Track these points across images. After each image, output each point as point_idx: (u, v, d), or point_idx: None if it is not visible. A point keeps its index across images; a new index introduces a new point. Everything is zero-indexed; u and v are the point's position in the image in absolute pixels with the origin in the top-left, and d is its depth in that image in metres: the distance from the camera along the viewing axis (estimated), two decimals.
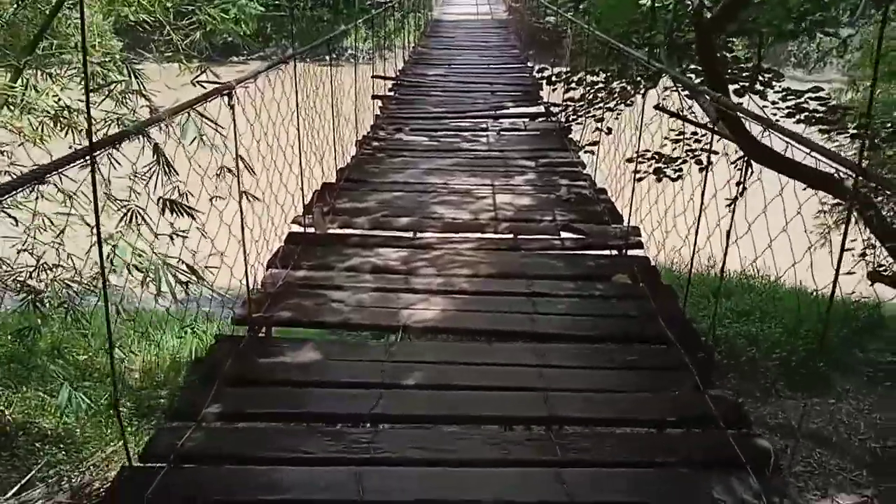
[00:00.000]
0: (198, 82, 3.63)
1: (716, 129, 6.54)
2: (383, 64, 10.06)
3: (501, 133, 7.47)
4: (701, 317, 7.45)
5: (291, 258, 4.05)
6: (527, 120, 7.98)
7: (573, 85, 8.48)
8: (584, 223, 4.81)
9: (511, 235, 4.67)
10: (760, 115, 3.40)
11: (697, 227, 3.29)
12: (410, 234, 4.65)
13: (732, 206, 3.92)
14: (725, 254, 3.03)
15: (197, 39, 5.06)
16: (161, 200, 3.07)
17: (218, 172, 3.36)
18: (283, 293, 3.63)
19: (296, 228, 4.58)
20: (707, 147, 7.66)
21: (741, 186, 5.83)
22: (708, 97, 6.01)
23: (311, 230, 4.62)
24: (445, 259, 4.15)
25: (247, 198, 3.64)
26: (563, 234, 4.71)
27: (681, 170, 7.56)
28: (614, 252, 4.47)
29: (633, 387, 2.95)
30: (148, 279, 2.95)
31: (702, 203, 3.25)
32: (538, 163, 6.28)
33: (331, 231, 4.72)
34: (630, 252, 4.39)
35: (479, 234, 4.84)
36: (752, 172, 6.96)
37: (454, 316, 3.46)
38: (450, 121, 8.10)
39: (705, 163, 7.18)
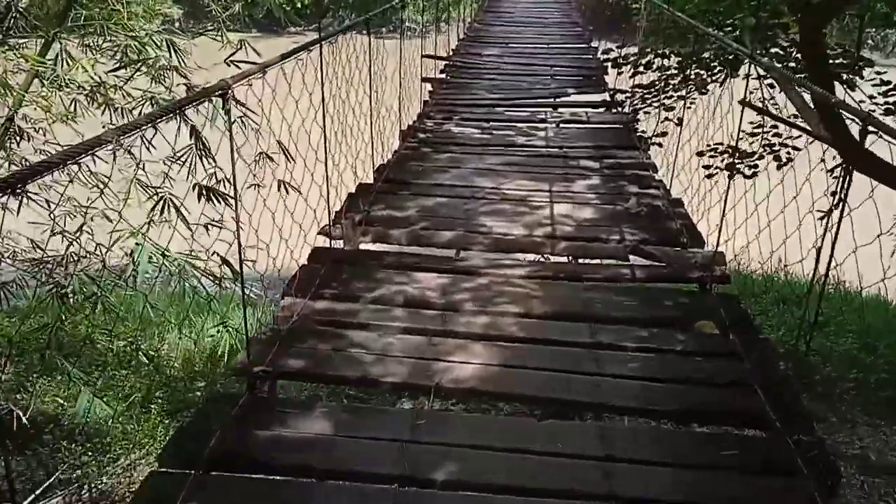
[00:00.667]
0: (232, 61, 3.14)
1: (815, 130, 5.68)
2: (434, 40, 9.35)
3: (561, 125, 6.72)
4: (768, 327, 6.68)
5: (312, 283, 3.46)
6: (590, 110, 7.18)
7: (641, 69, 7.70)
8: (658, 245, 4.08)
9: (571, 259, 3.99)
10: (876, 118, 2.66)
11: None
12: (453, 254, 4.01)
13: (827, 219, 3.19)
14: (815, 276, 2.78)
15: (239, 11, 4.72)
16: (197, 187, 2.94)
17: (256, 159, 3.20)
18: (296, 332, 3.05)
19: (322, 241, 4.00)
20: (788, 142, 6.87)
21: (838, 197, 5.13)
22: (803, 91, 5.16)
23: (340, 243, 4.03)
24: (492, 290, 3.50)
25: (284, 188, 3.35)
26: (633, 259, 4.00)
27: (756, 166, 6.85)
28: (695, 286, 3.74)
29: (722, 497, 2.27)
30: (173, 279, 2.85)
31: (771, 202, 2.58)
32: (602, 164, 5.54)
33: (363, 246, 4.13)
34: (715, 286, 3.65)
35: (532, 256, 4.18)
36: (850, 181, 6.10)
37: (499, 375, 2.82)
38: (504, 109, 7.37)
39: (784, 159, 6.41)
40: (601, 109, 7.33)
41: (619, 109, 7.27)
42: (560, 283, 3.68)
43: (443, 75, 8.74)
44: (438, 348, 2.97)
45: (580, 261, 4.00)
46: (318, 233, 4.08)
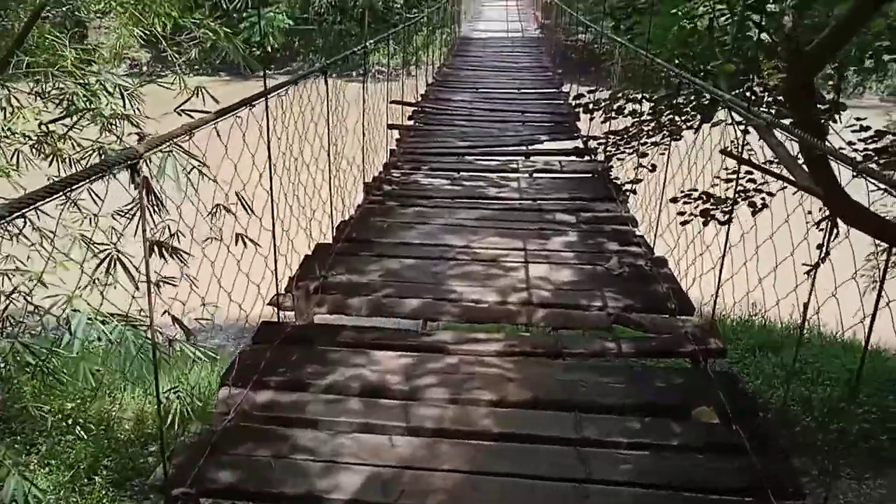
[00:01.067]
0: (183, 111, 2.82)
1: (799, 180, 5.44)
2: (402, 85, 9.07)
3: (535, 175, 6.41)
4: (746, 374, 6.34)
5: (256, 369, 3.01)
6: (563, 159, 6.90)
7: (613, 115, 7.48)
8: (644, 313, 3.72)
9: (549, 330, 3.60)
10: (869, 166, 2.39)
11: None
12: (419, 325, 3.61)
13: (813, 272, 3.15)
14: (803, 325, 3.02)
15: (197, 56, 4.71)
16: (148, 242, 2.63)
17: (213, 210, 2.99)
18: (231, 434, 2.60)
19: (274, 313, 3.56)
20: (763, 187, 6.62)
21: (824, 250, 4.91)
22: (787, 138, 4.88)
23: (294, 315, 3.60)
24: (462, 372, 3.08)
25: (243, 241, 3.09)
26: (617, 327, 3.63)
27: (731, 211, 6.61)
28: (688, 361, 3.37)
29: None
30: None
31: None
32: (579, 217, 5.20)
33: (318, 318, 3.70)
34: (710, 361, 3.28)
35: (508, 325, 3.78)
36: (837, 233, 5.86)
37: (469, 485, 2.38)
38: (475, 158, 7.06)
39: (759, 205, 6.12)
40: (574, 158, 7.05)
41: (593, 157, 7.00)
42: (539, 361, 3.27)
43: (411, 122, 8.44)
44: (399, 451, 2.54)
45: (560, 331, 3.61)
46: (268, 303, 3.65)
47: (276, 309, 3.62)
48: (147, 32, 4.33)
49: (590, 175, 6.46)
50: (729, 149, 5.14)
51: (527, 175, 6.42)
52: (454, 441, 2.62)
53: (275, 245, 3.29)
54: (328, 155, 4.46)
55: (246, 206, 3.85)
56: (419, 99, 9.66)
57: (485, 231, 4.85)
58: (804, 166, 4.99)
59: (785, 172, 5.55)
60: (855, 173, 2.31)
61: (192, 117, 2.61)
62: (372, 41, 8.40)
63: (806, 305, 2.63)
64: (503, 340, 3.47)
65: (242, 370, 2.98)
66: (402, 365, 3.12)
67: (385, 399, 2.87)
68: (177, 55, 4.79)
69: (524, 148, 7.44)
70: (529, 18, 22.10)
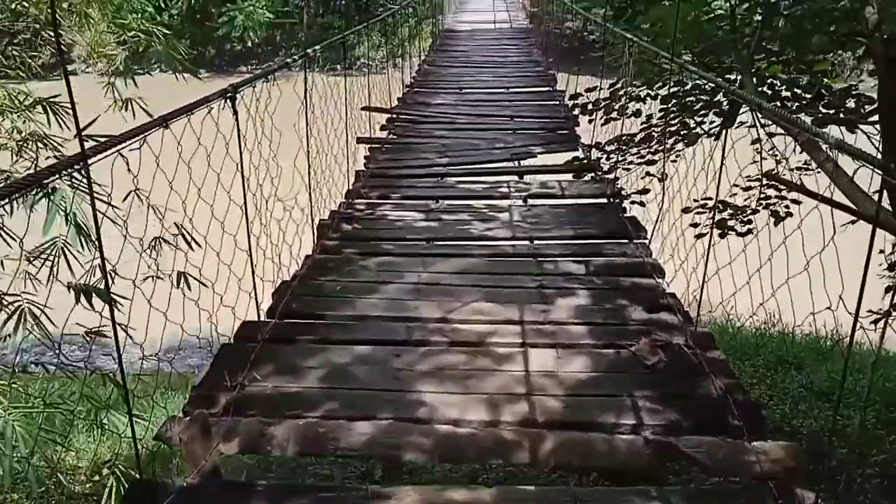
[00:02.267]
0: (87, 136, 2.08)
1: (861, 207, 4.36)
2: (385, 83, 7.86)
3: (529, 202, 5.25)
4: (766, 397, 5.35)
5: None
6: (563, 179, 5.73)
7: (615, 114, 6.40)
8: (695, 432, 2.57)
9: (562, 478, 2.46)
10: None
11: None
12: (362, 489, 2.46)
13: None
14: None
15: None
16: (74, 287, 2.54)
17: (153, 244, 2.83)
18: None
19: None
20: (786, 194, 5.65)
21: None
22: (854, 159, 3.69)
23: (187, 460, 2.44)
24: None
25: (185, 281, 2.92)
26: (656, 453, 2.49)
27: (750, 221, 5.53)
28: None
29: None
30: None
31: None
32: (589, 267, 4.05)
33: (222, 455, 2.53)
34: None
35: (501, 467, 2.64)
36: None
37: None
38: (457, 180, 5.89)
39: (783, 213, 5.27)
40: (576, 178, 5.89)
41: (599, 175, 5.85)
42: None
43: (384, 133, 7.26)
44: None
45: (576, 486, 2.46)
46: (154, 437, 2.50)
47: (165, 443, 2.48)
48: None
49: (596, 201, 5.30)
50: (754, 157, 4.06)
51: (520, 202, 5.25)
52: None
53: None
54: (244, 196, 3.29)
55: (187, 239, 3.03)
56: (395, 104, 8.46)
57: (468, 294, 3.68)
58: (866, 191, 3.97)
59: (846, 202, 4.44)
60: None
61: (97, 142, 2.05)
62: (352, 31, 7.20)
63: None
64: (495, 495, 2.32)
65: None
66: None
67: None
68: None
69: (516, 164, 6.28)
70: (517, 7, 20.87)
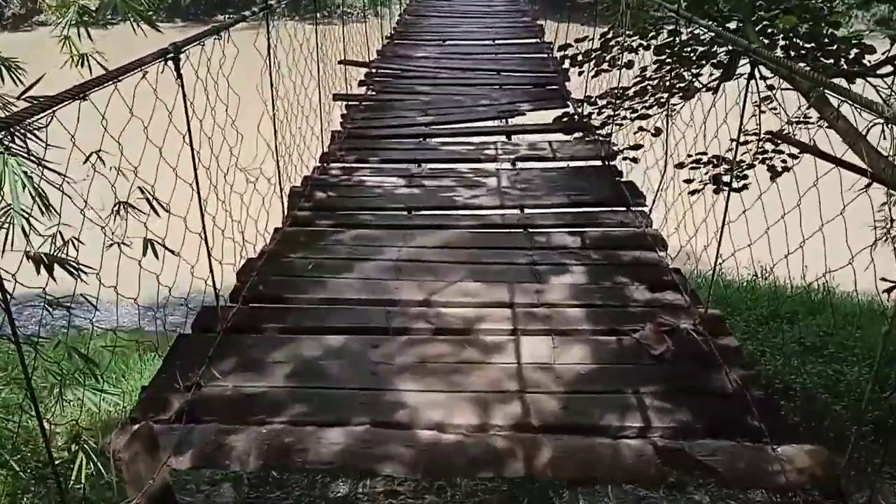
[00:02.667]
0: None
1: (875, 169, 4.07)
2: (358, 42, 7.35)
3: (518, 166, 4.88)
4: (757, 354, 5.15)
5: None
6: (554, 139, 5.35)
7: (606, 66, 6.07)
8: (711, 435, 2.28)
9: (562, 481, 2.16)
10: None
11: None
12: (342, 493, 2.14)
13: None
14: None
15: None
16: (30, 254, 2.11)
17: (115, 209, 2.37)
18: None
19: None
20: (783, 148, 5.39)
21: None
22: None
23: (127, 485, 2.11)
24: None
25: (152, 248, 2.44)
26: (671, 469, 2.20)
27: (746, 177, 5.33)
28: None
29: None
30: None
31: None
32: (585, 239, 3.72)
33: (169, 471, 2.21)
34: None
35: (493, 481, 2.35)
36: None
37: None
38: (440, 141, 5.49)
39: (780, 168, 5.15)
40: (568, 137, 5.51)
41: (592, 134, 5.48)
42: None
43: (362, 90, 6.80)
44: None
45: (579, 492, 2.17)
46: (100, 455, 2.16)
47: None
48: None
49: (590, 164, 4.93)
50: (753, 112, 3.95)
51: (508, 165, 4.88)
52: None
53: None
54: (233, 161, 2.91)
55: (152, 204, 2.57)
56: (374, 58, 7.96)
57: (453, 272, 3.34)
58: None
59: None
60: None
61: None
62: None
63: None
64: None
65: None
66: None
67: None
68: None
69: (503, 124, 5.89)
70: None
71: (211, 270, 2.81)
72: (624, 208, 4.14)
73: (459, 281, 3.26)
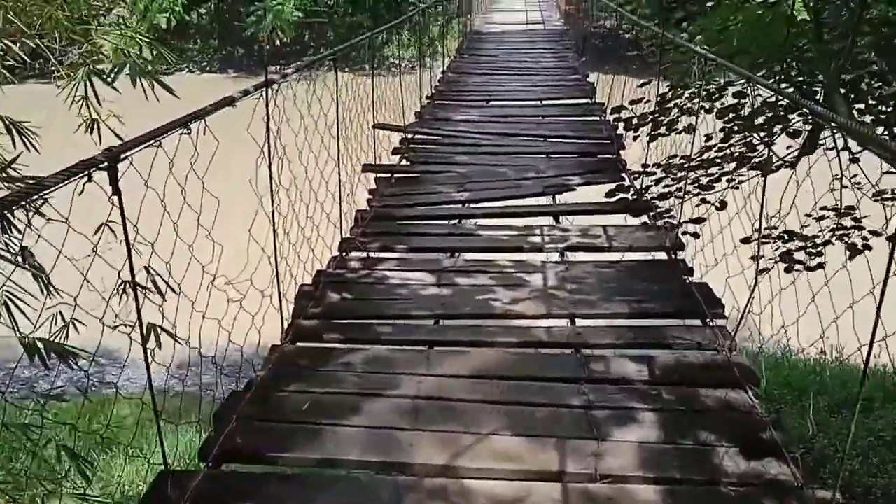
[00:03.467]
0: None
1: None
2: (414, 83, 6.82)
3: (567, 257, 4.16)
4: (829, 451, 4.51)
5: None
6: (610, 225, 4.61)
7: (664, 130, 5.44)
8: None
9: None
10: None
11: None
12: None
13: None
14: None
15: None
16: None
17: (121, 288, 2.28)
18: None
19: None
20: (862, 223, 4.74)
21: None
22: None
23: None
24: None
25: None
26: None
27: (821, 253, 4.74)
28: None
29: None
30: None
31: None
32: (654, 368, 2.95)
33: None
34: None
35: None
36: None
37: None
38: (478, 224, 4.82)
39: (861, 246, 4.57)
40: (625, 221, 4.78)
41: (653, 216, 4.75)
42: None
43: (395, 158, 6.22)
44: None
45: None
46: None
47: None
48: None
49: (656, 259, 4.19)
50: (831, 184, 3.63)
51: (556, 257, 4.17)
52: None
53: None
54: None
55: (158, 286, 2.40)
56: (408, 125, 7.41)
57: (485, 418, 2.61)
58: None
59: None
60: None
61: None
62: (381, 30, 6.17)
63: None
64: None
65: None
66: None
67: None
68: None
69: (550, 201, 5.20)
70: (550, 6, 19.70)
71: (160, 437, 2.15)
72: (698, 321, 3.37)
73: (494, 434, 2.53)
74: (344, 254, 4.23)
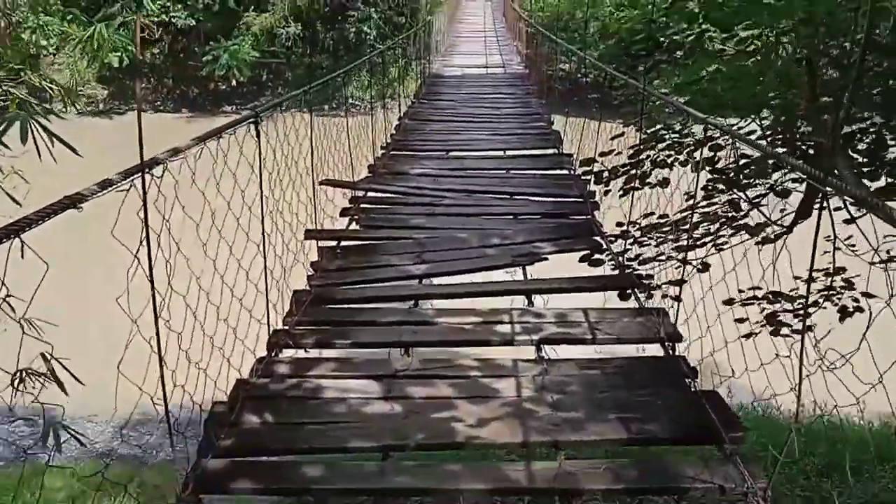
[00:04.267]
0: None
1: None
2: (369, 126, 6.10)
3: (545, 359, 3.44)
4: None
5: None
6: (592, 310, 3.91)
7: (637, 184, 4.97)
8: None
9: None
10: None
11: None
12: None
13: None
14: None
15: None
16: None
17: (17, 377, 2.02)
18: None
19: None
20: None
21: None
22: None
23: None
24: None
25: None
26: None
27: (808, 315, 4.05)
28: None
29: None
30: None
31: None
32: None
33: None
34: None
35: None
36: None
37: None
38: (437, 309, 4.10)
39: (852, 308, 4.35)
40: (611, 302, 4.10)
41: (640, 295, 4.09)
42: None
43: (345, 220, 5.49)
44: None
45: None
46: None
47: None
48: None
49: (646, 354, 3.50)
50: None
51: (531, 351, 3.46)
52: None
53: None
54: None
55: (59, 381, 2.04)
56: (366, 175, 6.71)
57: None
58: None
59: None
60: None
61: None
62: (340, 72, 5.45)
63: None
64: None
65: None
66: None
67: None
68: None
69: (520, 273, 4.51)
70: (511, 51, 19.41)
71: None
72: (715, 447, 2.67)
73: None
74: (273, 353, 3.45)
